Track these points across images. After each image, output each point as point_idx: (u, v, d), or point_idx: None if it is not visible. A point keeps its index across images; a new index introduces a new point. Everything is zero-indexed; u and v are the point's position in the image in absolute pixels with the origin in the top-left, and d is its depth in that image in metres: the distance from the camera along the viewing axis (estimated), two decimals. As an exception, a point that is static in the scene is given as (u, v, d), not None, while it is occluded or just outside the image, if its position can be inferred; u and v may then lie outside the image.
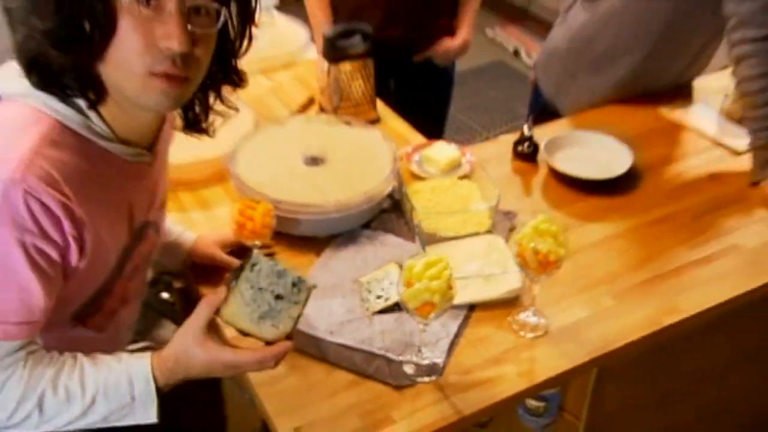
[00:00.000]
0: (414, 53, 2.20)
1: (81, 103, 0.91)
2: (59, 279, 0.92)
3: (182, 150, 1.56)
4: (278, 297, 0.94)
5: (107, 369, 0.92)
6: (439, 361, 1.20)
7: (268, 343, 0.95)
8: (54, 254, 0.88)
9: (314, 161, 1.56)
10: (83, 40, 0.84)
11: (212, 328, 0.94)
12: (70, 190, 0.87)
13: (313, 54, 1.95)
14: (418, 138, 1.83)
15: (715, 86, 1.94)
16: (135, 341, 1.29)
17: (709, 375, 1.62)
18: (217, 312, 0.92)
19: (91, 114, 0.92)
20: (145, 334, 1.39)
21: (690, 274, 1.40)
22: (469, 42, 2.26)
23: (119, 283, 1.08)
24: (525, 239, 1.19)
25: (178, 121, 1.15)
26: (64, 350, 0.96)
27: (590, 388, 1.37)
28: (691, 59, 1.94)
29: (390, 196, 1.55)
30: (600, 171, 1.64)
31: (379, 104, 1.96)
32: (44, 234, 0.86)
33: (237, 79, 1.09)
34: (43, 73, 0.88)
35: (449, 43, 2.21)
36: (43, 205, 0.84)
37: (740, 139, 1.70)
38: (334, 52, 1.81)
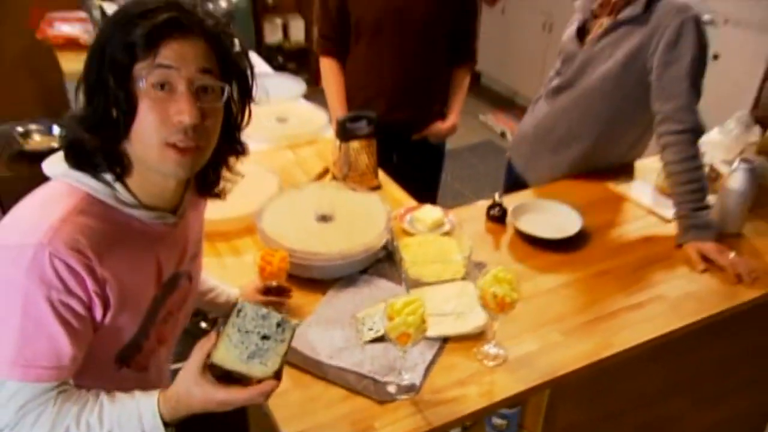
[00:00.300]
0: (412, 133, 2.26)
1: (109, 177, 0.92)
2: (87, 330, 0.91)
3: (220, 208, 1.61)
4: (264, 337, 0.90)
5: (121, 405, 0.90)
6: (417, 382, 1.22)
7: (259, 381, 0.89)
8: (79, 308, 0.87)
9: (324, 219, 1.59)
10: (110, 124, 0.87)
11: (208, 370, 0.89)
12: (94, 252, 0.87)
13: (330, 134, 2.02)
14: (410, 202, 1.86)
15: (651, 167, 1.95)
16: (175, 361, 1.25)
17: (645, 399, 1.63)
18: (209, 356, 0.87)
19: (118, 186, 0.92)
20: (184, 355, 1.42)
21: (624, 317, 1.42)
22: (457, 125, 2.31)
23: (154, 327, 1.06)
24: (486, 285, 1.23)
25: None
26: (115, 390, 0.94)
27: (544, 408, 1.39)
28: (630, 145, 1.97)
29: (384, 247, 1.57)
30: (555, 232, 1.65)
31: (381, 174, 1.98)
32: (68, 290, 0.85)
33: (240, 149, 1.07)
34: (78, 155, 0.90)
35: (441, 126, 2.27)
36: (68, 265, 0.84)
37: (668, 209, 1.71)
38: (344, 133, 1.85)
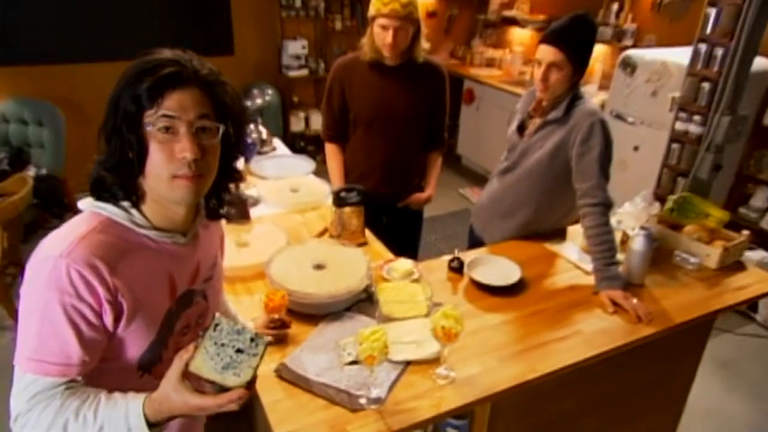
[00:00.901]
0: (397, 202, 2.27)
1: (126, 204, 0.91)
2: (98, 336, 0.87)
3: (240, 258, 1.68)
4: (239, 351, 0.84)
5: (114, 403, 0.85)
6: (382, 395, 1.24)
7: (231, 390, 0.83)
8: (90, 314, 0.84)
9: (319, 267, 1.60)
10: (126, 163, 0.87)
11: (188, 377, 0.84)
12: (107, 263, 0.84)
13: (330, 201, 1.98)
14: (389, 255, 1.86)
15: (578, 231, 1.91)
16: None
17: (569, 415, 1.63)
18: (187, 365, 0.82)
19: (133, 211, 0.91)
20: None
21: (549, 348, 1.43)
22: (433, 196, 2.31)
23: (173, 338, 1.00)
24: (437, 319, 1.25)
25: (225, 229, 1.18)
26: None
27: (487, 420, 1.41)
28: (562, 214, 1.99)
29: (365, 290, 1.58)
30: (500, 280, 1.66)
31: (368, 233, 1.97)
32: (80, 297, 0.82)
33: (237, 177, 1.04)
34: (100, 189, 0.90)
35: (420, 196, 2.29)
36: (81, 274, 0.82)
37: (589, 264, 1.72)
38: (339, 201, 1.89)
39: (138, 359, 0.95)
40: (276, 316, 1.40)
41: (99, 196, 0.91)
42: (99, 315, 0.86)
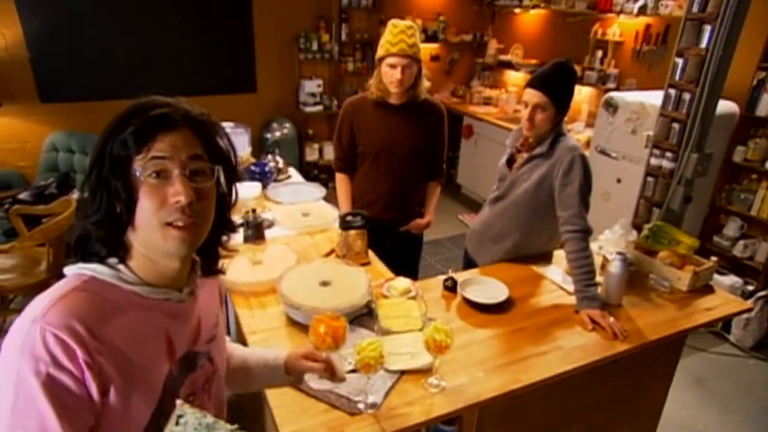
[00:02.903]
0: (399, 227, 2.27)
1: (112, 261, 0.75)
2: (82, 408, 0.67)
3: (254, 275, 1.70)
4: None
5: None
6: (378, 401, 1.25)
7: None
8: (70, 382, 0.65)
9: (325, 284, 1.60)
10: (114, 216, 0.73)
11: None
12: (86, 324, 0.67)
13: (338, 225, 1.97)
14: (389, 274, 1.85)
15: (562, 255, 1.85)
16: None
17: (551, 424, 1.61)
18: None
19: (121, 267, 0.75)
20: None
21: (532, 361, 1.42)
22: (432, 221, 2.32)
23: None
24: (429, 333, 1.26)
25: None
26: None
27: (474, 426, 1.40)
28: (547, 239, 1.98)
29: (366, 305, 1.58)
30: (489, 299, 1.66)
31: (371, 254, 1.96)
32: (57, 363, 0.64)
33: (231, 228, 0.88)
34: (83, 247, 0.75)
35: (420, 222, 2.29)
36: (57, 337, 0.64)
37: (571, 285, 1.70)
38: (345, 224, 1.90)
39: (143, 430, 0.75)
40: (324, 354, 1.07)
41: (83, 256, 0.75)
42: (82, 383, 0.66)
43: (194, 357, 0.85)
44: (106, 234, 0.74)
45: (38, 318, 0.66)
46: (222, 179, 0.80)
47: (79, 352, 0.66)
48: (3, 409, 0.64)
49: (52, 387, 0.64)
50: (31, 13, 3.70)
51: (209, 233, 0.80)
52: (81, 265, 0.75)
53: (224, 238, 0.88)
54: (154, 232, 0.73)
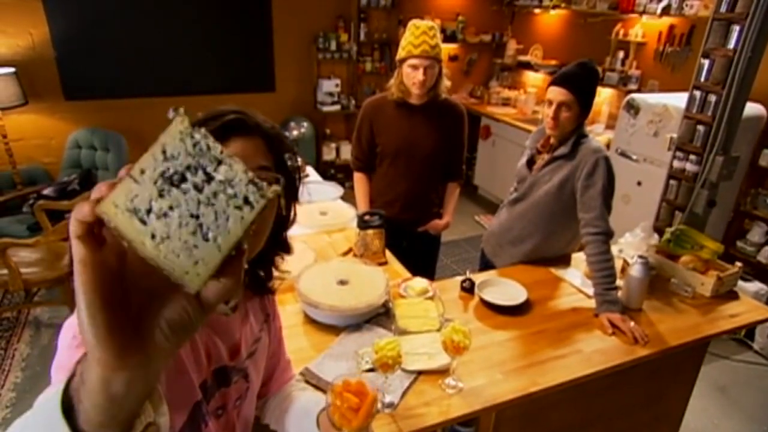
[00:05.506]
0: (417, 227, 2.26)
1: None
2: None
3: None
4: (207, 176, 0.34)
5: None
6: (395, 401, 1.25)
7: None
8: None
9: (342, 283, 1.61)
10: None
11: None
12: None
13: (356, 224, 1.98)
14: (407, 274, 1.85)
15: (581, 258, 1.91)
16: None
17: (570, 427, 1.60)
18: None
19: None
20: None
21: (550, 365, 1.42)
22: (450, 222, 2.30)
23: (209, 416, 0.78)
24: (447, 333, 1.27)
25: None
26: None
27: (491, 428, 1.39)
28: (567, 242, 1.97)
29: (383, 305, 1.58)
30: (507, 301, 1.66)
31: (388, 254, 1.97)
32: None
33: (286, 248, 0.86)
34: None
35: (438, 223, 2.28)
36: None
37: (591, 289, 1.70)
38: (363, 223, 1.91)
39: None
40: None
41: None
42: None
43: (230, 371, 0.83)
44: None
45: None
46: (282, 198, 0.70)
47: None
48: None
49: None
50: (58, 12, 3.79)
51: (262, 251, 0.77)
52: None
53: (278, 259, 0.86)
54: None
